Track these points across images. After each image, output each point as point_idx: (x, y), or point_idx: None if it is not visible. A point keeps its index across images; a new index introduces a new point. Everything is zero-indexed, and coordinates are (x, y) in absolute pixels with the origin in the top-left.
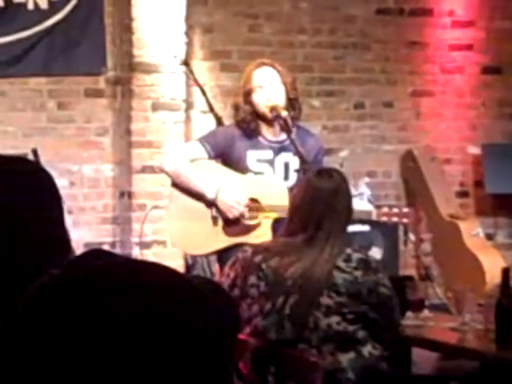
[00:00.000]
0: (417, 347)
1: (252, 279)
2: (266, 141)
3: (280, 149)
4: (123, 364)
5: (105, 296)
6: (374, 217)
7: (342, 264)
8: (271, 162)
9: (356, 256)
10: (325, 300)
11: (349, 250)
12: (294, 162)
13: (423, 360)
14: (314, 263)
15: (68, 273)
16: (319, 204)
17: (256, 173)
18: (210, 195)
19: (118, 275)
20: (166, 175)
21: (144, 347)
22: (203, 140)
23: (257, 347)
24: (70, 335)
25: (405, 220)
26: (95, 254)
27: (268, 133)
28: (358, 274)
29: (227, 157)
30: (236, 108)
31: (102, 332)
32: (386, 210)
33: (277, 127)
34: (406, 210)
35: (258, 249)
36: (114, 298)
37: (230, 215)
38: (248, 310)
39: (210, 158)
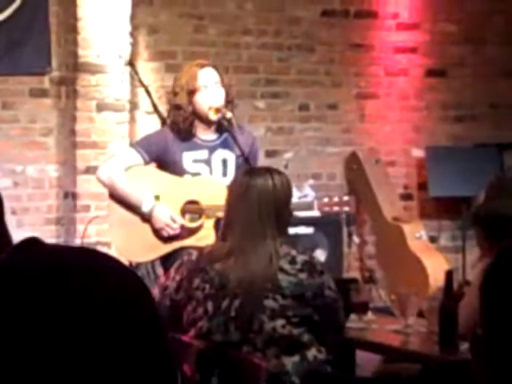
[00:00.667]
0: (360, 350)
1: (197, 282)
2: (200, 141)
3: (215, 146)
4: (70, 347)
5: (54, 277)
6: (315, 208)
7: (286, 266)
8: (207, 162)
9: (301, 258)
10: (270, 303)
11: (293, 252)
12: (232, 158)
13: (367, 362)
14: (245, 264)
15: (14, 256)
16: (232, 200)
17: (193, 174)
18: (145, 209)
19: (67, 258)
20: (103, 186)
21: (95, 328)
22: (137, 146)
23: (201, 349)
24: (18, 318)
25: (346, 208)
26: (35, 240)
27: (202, 133)
28: (303, 276)
29: (163, 160)
30: (177, 108)
31: (57, 314)
32: (326, 200)
33: (213, 127)
34: (346, 198)
35: (202, 252)
36: (65, 279)
37: (165, 234)
38: (193, 312)
39: (146, 163)
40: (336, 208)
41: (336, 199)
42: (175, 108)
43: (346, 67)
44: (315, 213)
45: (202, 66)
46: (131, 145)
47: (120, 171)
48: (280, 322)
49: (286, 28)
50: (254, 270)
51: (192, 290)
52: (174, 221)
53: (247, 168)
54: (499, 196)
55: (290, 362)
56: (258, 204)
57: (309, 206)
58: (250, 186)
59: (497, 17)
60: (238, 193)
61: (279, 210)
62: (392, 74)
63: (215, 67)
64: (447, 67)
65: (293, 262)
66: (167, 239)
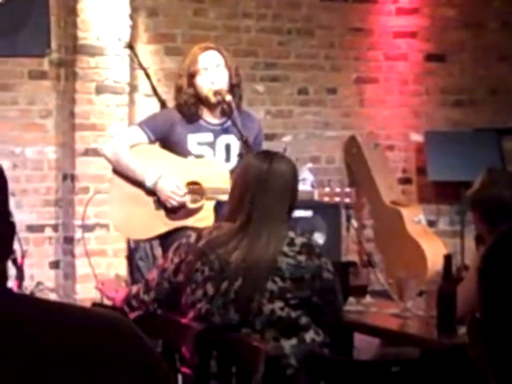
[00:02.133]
0: (358, 333)
1: (196, 264)
2: (206, 123)
3: (220, 131)
4: None
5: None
6: (315, 197)
7: (285, 248)
8: (212, 145)
9: (299, 240)
10: (269, 285)
11: (292, 234)
12: (235, 144)
13: (365, 346)
14: (253, 246)
15: None
16: (252, 184)
17: (197, 156)
18: (149, 183)
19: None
20: (107, 161)
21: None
22: (143, 124)
23: (200, 331)
24: None
25: (347, 200)
26: None
27: (208, 116)
28: (302, 258)
29: (168, 140)
30: (179, 90)
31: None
32: (327, 190)
33: (218, 110)
34: (347, 189)
35: (201, 234)
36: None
37: (169, 204)
38: (192, 294)
39: (151, 142)
40: (336, 199)
41: (337, 190)
42: (177, 90)
43: (345, 51)
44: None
45: (206, 49)
46: (137, 124)
47: (125, 147)
48: (279, 304)
49: (285, 12)
50: (251, 251)
51: (192, 272)
52: (179, 188)
53: (263, 152)
54: (495, 181)
55: (287, 344)
56: (283, 190)
57: (310, 195)
58: (248, 167)
59: (496, 2)
60: (258, 177)
61: (294, 196)
62: (392, 59)
63: (219, 50)
64: (447, 52)
65: (291, 244)
66: (168, 217)
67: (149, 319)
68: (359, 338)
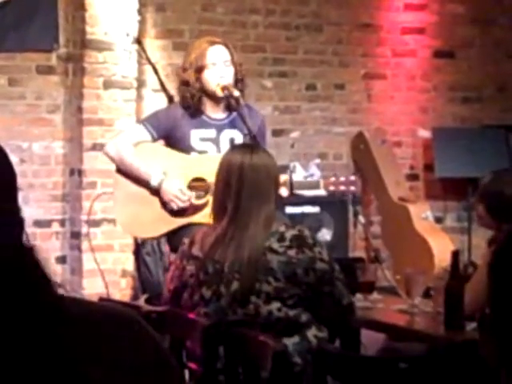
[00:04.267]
0: (366, 329)
1: (191, 269)
2: (209, 119)
3: (223, 126)
4: None
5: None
6: (321, 187)
7: (275, 245)
8: (215, 140)
9: (289, 233)
10: (263, 286)
11: (282, 228)
12: (239, 139)
13: (372, 342)
14: (241, 244)
15: None
16: (233, 180)
17: (200, 152)
18: (154, 182)
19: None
20: (111, 161)
21: None
22: (145, 122)
23: (207, 326)
24: None
25: (352, 188)
26: None
27: (211, 111)
28: (292, 253)
29: (171, 137)
30: (185, 84)
31: None
32: (332, 179)
33: (222, 105)
34: (352, 177)
35: (194, 239)
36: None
37: (174, 206)
38: (190, 299)
39: (154, 140)
40: (342, 187)
41: (342, 179)
42: (183, 84)
43: (353, 47)
44: (321, 191)
45: (213, 43)
46: (140, 121)
47: (128, 146)
48: (275, 304)
49: (293, 7)
50: (241, 250)
51: (186, 277)
52: (183, 193)
53: (241, 146)
54: (501, 178)
55: (290, 342)
56: (267, 183)
57: (315, 185)
58: (227, 162)
59: None
60: (239, 172)
61: (259, 186)
62: (399, 55)
63: (226, 45)
64: (455, 48)
65: (281, 239)
66: (174, 215)
67: (156, 314)
68: (366, 334)
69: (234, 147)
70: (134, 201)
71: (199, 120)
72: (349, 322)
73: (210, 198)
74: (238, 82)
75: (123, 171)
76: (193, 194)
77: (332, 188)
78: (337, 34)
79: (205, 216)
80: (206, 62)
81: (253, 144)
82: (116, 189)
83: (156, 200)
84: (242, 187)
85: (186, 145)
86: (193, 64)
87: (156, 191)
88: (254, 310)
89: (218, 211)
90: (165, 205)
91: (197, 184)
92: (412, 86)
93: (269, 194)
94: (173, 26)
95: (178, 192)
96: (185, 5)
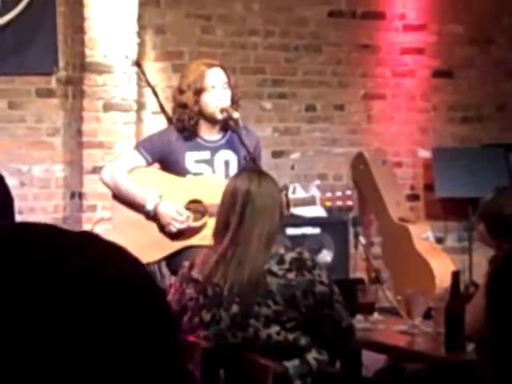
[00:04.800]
0: (367, 350)
1: (190, 293)
2: (203, 141)
3: (217, 148)
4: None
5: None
6: (317, 203)
7: (275, 268)
8: (210, 162)
9: (289, 256)
10: (263, 310)
11: (282, 251)
12: (234, 160)
13: (373, 363)
14: (242, 263)
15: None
16: (236, 204)
17: (195, 174)
18: (149, 207)
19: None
20: (106, 187)
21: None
22: (140, 147)
23: (207, 349)
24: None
25: (349, 202)
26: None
27: (206, 133)
28: (292, 276)
29: (166, 160)
30: (183, 106)
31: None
32: (329, 194)
33: (217, 127)
34: (348, 192)
35: (194, 262)
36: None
37: (173, 228)
38: (189, 322)
39: (149, 164)
40: (339, 202)
41: (338, 193)
42: (180, 106)
43: (352, 68)
44: (319, 209)
45: (211, 65)
46: (134, 146)
47: (123, 172)
48: (274, 328)
49: (293, 28)
50: (247, 273)
51: (185, 300)
52: (180, 214)
53: (247, 170)
54: (501, 196)
55: (290, 365)
56: (271, 209)
57: (311, 201)
58: (232, 187)
59: (504, 18)
60: (245, 197)
61: (262, 211)
62: (399, 75)
63: (223, 67)
64: (454, 68)
65: (281, 261)
66: (172, 238)
67: None
68: (367, 355)
69: (241, 171)
70: (131, 227)
71: (194, 142)
72: (349, 344)
73: (207, 220)
74: (234, 103)
75: (119, 197)
76: (190, 216)
77: (329, 203)
78: (336, 55)
79: (203, 238)
80: (206, 85)
81: (259, 169)
82: (113, 214)
83: (153, 225)
84: (247, 211)
85: (181, 167)
86: (191, 86)
87: (152, 216)
88: (253, 333)
89: (220, 231)
90: (162, 228)
91: (194, 206)
92: (411, 107)
93: (272, 216)
94: (172, 48)
95: (175, 213)
96: (184, 27)
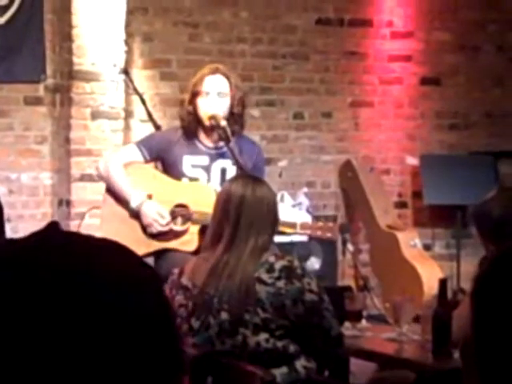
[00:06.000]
0: (355, 357)
1: (180, 299)
2: (203, 146)
3: (217, 155)
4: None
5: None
6: (298, 229)
7: (264, 276)
8: (207, 168)
9: (279, 264)
10: (251, 317)
11: (272, 259)
12: (231, 169)
13: (361, 370)
14: (234, 273)
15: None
16: (229, 211)
17: (191, 178)
18: (133, 204)
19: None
20: (99, 178)
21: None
22: (140, 143)
23: (195, 357)
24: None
25: (328, 234)
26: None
27: (206, 139)
28: (281, 284)
29: (164, 161)
30: (181, 104)
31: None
32: (309, 223)
33: (215, 135)
34: (330, 224)
35: (184, 269)
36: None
37: (154, 230)
38: (178, 329)
39: (147, 161)
40: (318, 232)
41: (320, 224)
42: (180, 104)
43: (340, 75)
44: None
45: (214, 71)
46: (135, 142)
47: (118, 165)
48: (263, 335)
49: (280, 36)
50: (238, 282)
51: (175, 307)
52: (162, 216)
53: (243, 177)
54: (491, 198)
55: (278, 373)
56: (265, 216)
57: (291, 225)
58: (226, 193)
59: (491, 25)
60: (239, 204)
61: (275, 220)
62: (386, 83)
63: (227, 76)
64: (441, 75)
65: (271, 270)
66: (152, 238)
67: None
68: (355, 363)
69: (235, 177)
70: (117, 220)
71: (193, 146)
72: (337, 353)
73: (190, 226)
74: (234, 115)
75: (110, 190)
76: (174, 220)
77: (308, 232)
78: (323, 63)
79: (183, 243)
80: (201, 90)
81: (254, 176)
82: (103, 207)
83: (136, 222)
84: (241, 218)
85: (177, 170)
86: (190, 87)
87: (135, 213)
88: (242, 340)
89: (213, 239)
90: (144, 228)
91: (179, 210)
92: (399, 114)
93: (266, 225)
94: (160, 55)
95: (157, 215)
96: (172, 35)
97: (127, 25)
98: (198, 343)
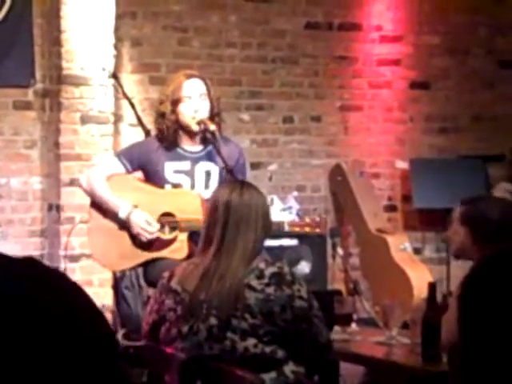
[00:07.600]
0: (344, 361)
1: (169, 303)
2: (183, 151)
3: (198, 158)
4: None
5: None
6: (286, 227)
7: (254, 282)
8: (189, 173)
9: (269, 271)
10: (240, 323)
11: (262, 265)
12: (215, 171)
13: (350, 374)
14: (223, 277)
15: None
16: (221, 217)
17: (174, 184)
18: (122, 215)
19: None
20: (84, 192)
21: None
22: (120, 154)
23: (184, 361)
24: None
25: (317, 230)
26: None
27: (186, 143)
28: (270, 290)
29: (145, 170)
30: (161, 116)
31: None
32: (297, 220)
33: (197, 138)
34: (317, 219)
35: (174, 272)
36: None
37: (143, 238)
38: (167, 333)
39: (128, 172)
40: (307, 229)
41: (308, 220)
42: (160, 116)
43: (329, 79)
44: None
45: (190, 76)
46: (115, 154)
47: (101, 178)
48: (251, 341)
49: (269, 40)
50: (221, 286)
51: (164, 311)
52: (149, 224)
53: (232, 182)
54: (485, 198)
55: (267, 378)
56: (254, 220)
57: (279, 226)
58: (215, 199)
59: (480, 29)
60: (227, 209)
61: (267, 224)
62: (376, 87)
63: (203, 79)
64: (431, 79)
65: (260, 276)
66: (142, 248)
67: (134, 349)
68: (345, 367)
69: (224, 183)
70: (106, 233)
71: (174, 152)
72: (326, 359)
73: (178, 234)
74: (215, 115)
75: (95, 204)
76: (165, 228)
77: (297, 229)
78: (313, 67)
79: (173, 251)
80: (182, 95)
81: (243, 181)
82: (90, 221)
83: (125, 234)
84: (228, 222)
85: (159, 177)
86: (169, 96)
87: (125, 224)
88: (230, 345)
89: (204, 245)
90: (134, 238)
91: (166, 219)
92: (388, 118)
93: (256, 229)
94: (149, 60)
95: (145, 224)
96: (161, 39)
97: (116, 29)
98: (187, 347)
